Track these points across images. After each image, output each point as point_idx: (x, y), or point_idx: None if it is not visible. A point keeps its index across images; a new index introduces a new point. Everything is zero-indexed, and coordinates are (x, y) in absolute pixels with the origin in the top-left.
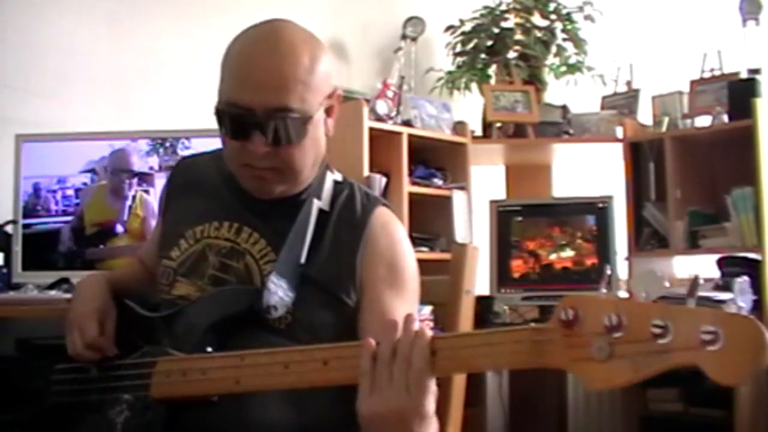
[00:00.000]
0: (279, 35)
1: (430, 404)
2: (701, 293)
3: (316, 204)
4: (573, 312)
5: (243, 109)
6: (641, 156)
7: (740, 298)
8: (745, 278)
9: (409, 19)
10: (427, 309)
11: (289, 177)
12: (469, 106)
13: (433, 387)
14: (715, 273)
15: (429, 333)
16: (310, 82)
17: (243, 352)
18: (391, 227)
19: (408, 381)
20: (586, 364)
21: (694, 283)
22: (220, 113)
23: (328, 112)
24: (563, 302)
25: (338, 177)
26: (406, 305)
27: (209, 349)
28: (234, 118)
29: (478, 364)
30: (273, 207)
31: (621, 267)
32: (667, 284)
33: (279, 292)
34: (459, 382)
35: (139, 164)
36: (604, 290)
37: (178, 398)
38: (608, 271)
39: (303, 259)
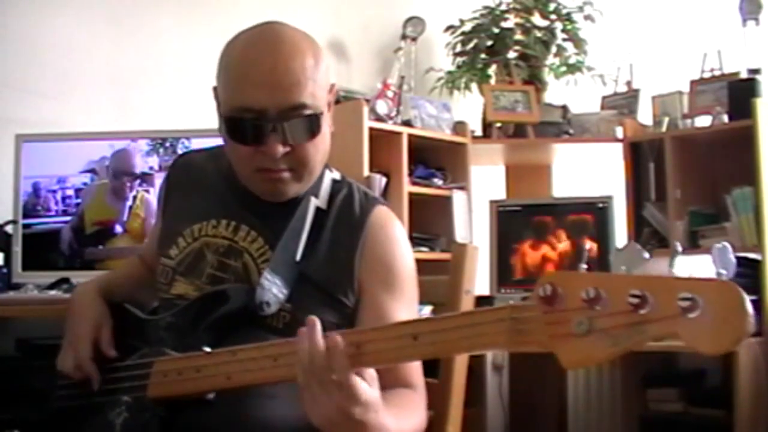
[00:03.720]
0: (279, 35)
1: (363, 391)
2: None
3: (314, 202)
4: (551, 287)
5: (256, 112)
6: (641, 156)
7: (720, 263)
8: (726, 244)
9: (409, 19)
10: (427, 309)
11: (304, 176)
12: (469, 106)
13: (371, 372)
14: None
15: (338, 337)
16: (317, 78)
17: (235, 347)
18: (390, 228)
19: (339, 379)
20: (566, 340)
21: (673, 252)
22: (231, 121)
23: (328, 107)
24: (541, 278)
25: (336, 176)
26: (403, 307)
27: (207, 349)
28: (248, 123)
29: (459, 346)
30: (271, 205)
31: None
32: (647, 255)
33: (273, 289)
34: (459, 381)
35: (140, 165)
36: (584, 266)
37: (175, 398)
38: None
39: (298, 257)
